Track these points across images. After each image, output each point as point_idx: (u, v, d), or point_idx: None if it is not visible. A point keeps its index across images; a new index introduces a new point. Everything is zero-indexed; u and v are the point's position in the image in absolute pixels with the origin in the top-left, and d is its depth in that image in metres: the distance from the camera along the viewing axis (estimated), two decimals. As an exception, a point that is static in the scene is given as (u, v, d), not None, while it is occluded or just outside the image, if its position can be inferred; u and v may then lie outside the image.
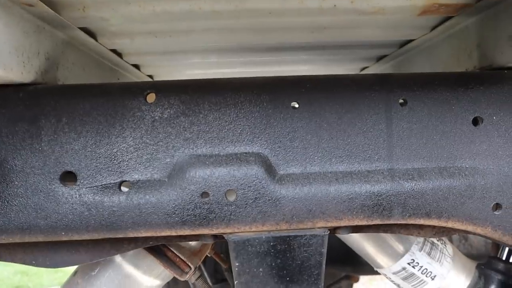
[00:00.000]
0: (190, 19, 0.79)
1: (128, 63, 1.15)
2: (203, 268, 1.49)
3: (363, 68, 1.54)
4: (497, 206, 0.71)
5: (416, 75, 0.73)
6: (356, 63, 1.44)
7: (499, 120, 0.72)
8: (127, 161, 0.67)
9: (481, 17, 0.83)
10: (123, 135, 0.67)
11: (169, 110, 0.68)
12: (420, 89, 0.71)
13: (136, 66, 1.24)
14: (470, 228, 0.73)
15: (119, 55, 1.07)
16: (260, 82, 0.70)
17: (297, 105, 0.69)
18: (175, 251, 0.90)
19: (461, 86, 0.71)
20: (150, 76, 1.46)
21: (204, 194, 0.66)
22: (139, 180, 0.67)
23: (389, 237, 1.02)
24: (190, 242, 0.97)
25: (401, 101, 0.71)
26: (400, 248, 1.03)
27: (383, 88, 0.70)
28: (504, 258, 0.94)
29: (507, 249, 0.93)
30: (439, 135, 0.71)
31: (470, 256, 1.16)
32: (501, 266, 0.92)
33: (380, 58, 1.33)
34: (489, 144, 0.72)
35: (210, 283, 1.49)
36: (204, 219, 0.67)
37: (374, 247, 1.04)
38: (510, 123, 0.72)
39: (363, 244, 1.05)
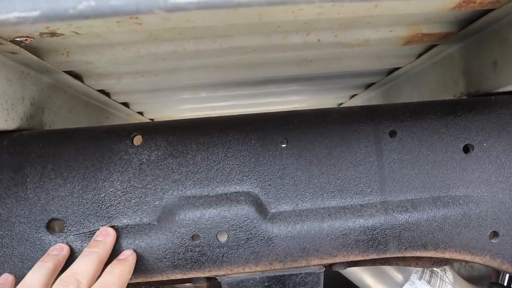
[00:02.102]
0: (176, 59, 0.79)
1: (117, 101, 1.15)
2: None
3: (352, 96, 1.54)
4: (494, 234, 0.70)
5: (404, 105, 0.73)
6: (345, 91, 1.45)
7: (490, 146, 0.71)
8: (115, 205, 0.66)
9: (464, 45, 0.84)
10: (111, 179, 0.66)
11: (156, 152, 0.67)
12: (409, 119, 0.71)
13: (125, 104, 1.24)
14: (468, 257, 0.71)
15: (107, 94, 1.07)
16: (247, 120, 0.69)
17: (286, 142, 0.68)
18: (169, 294, 0.88)
19: (449, 114, 0.71)
20: (140, 113, 1.45)
21: (195, 237, 0.65)
22: (128, 225, 0.66)
23: (387, 267, 1.01)
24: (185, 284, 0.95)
25: (390, 132, 0.70)
26: (399, 277, 1.01)
27: (372, 120, 0.70)
28: (505, 283, 0.92)
29: (508, 274, 0.92)
30: (430, 165, 0.70)
31: (472, 279, 1.14)
32: (502, 292, 0.91)
33: (368, 86, 1.34)
34: (481, 171, 0.71)
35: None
36: (196, 262, 0.65)
37: (373, 278, 1.02)
38: (500, 149, 0.71)
39: (362, 276, 1.03)
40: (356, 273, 1.03)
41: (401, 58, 0.98)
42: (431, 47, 0.89)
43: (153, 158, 0.67)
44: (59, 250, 0.64)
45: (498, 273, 1.00)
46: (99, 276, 0.60)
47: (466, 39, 0.82)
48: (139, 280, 0.66)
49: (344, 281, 1.09)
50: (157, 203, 0.66)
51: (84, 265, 0.59)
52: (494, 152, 0.71)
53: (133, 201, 0.66)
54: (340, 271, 1.02)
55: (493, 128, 0.72)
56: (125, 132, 0.67)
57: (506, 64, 0.72)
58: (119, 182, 0.66)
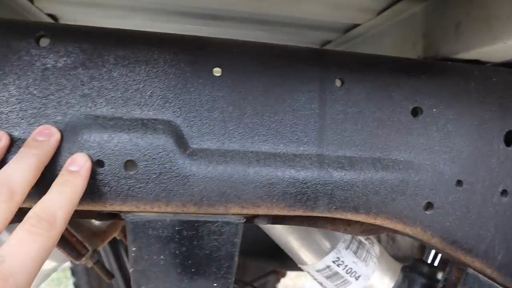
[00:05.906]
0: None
1: (42, 11, 1.01)
2: (108, 252, 1.36)
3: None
4: (429, 205, 0.66)
5: (357, 54, 0.67)
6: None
7: (439, 113, 0.67)
8: (7, 113, 0.55)
9: (430, 3, 0.78)
10: (4, 81, 0.55)
11: (65, 59, 0.56)
12: (360, 70, 0.64)
13: (53, 18, 1.09)
14: (399, 227, 0.67)
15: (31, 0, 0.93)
16: (180, 40, 0.60)
17: (220, 72, 0.60)
18: (71, 230, 0.79)
19: (402, 72, 0.66)
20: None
21: (99, 163, 0.55)
22: (19, 139, 0.55)
23: (315, 233, 0.96)
24: (93, 221, 0.85)
25: (337, 81, 0.63)
26: (326, 244, 0.97)
27: (319, 64, 0.63)
28: (429, 261, 0.92)
29: (432, 252, 0.91)
30: (375, 123, 0.65)
31: (397, 258, 1.14)
32: (425, 269, 0.90)
33: (324, 44, 1.27)
34: (426, 138, 0.66)
35: (110, 269, 1.35)
36: (96, 192, 0.56)
37: (299, 241, 0.98)
38: (449, 118, 0.67)
39: (287, 238, 0.98)
40: (282, 235, 0.99)
41: (361, 12, 0.91)
42: (395, 2, 0.83)
43: (60, 65, 0.56)
44: None
45: (423, 250, 0.99)
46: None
47: (433, -4, 0.76)
48: (26, 205, 0.56)
49: (272, 244, 1.05)
50: (59, 118, 0.56)
51: (21, 171, 0.48)
52: (442, 120, 0.67)
53: (30, 111, 0.55)
54: (266, 231, 0.98)
55: (445, 95, 0.67)
56: (30, 29, 0.56)
57: (469, 27, 0.68)
58: (14, 86, 0.55)
